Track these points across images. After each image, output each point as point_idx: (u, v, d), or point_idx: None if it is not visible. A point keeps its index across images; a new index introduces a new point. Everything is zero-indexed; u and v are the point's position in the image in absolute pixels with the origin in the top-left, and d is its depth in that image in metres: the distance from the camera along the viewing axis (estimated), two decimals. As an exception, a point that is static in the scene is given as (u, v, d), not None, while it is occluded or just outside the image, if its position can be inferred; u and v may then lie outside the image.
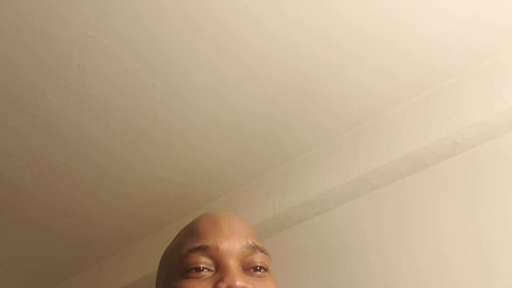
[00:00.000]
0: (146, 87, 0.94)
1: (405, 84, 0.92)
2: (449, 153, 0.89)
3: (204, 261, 0.57)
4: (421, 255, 0.85)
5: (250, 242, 0.59)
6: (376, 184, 0.96)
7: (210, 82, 0.93)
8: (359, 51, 0.87)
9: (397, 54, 0.87)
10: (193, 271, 0.57)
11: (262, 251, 0.60)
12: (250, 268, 0.59)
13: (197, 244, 0.58)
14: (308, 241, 1.04)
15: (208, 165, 1.12)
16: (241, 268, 0.58)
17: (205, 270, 0.57)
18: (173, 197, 1.22)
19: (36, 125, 1.02)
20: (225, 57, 0.88)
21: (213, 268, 0.57)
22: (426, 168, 0.92)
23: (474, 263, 0.79)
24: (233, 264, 0.57)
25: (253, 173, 1.15)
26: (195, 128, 1.03)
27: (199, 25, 0.83)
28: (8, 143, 1.06)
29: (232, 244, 0.58)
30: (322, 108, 0.97)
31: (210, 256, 0.57)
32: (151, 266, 1.28)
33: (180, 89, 0.95)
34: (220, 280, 0.55)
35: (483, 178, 0.84)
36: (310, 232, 1.04)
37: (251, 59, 0.89)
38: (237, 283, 0.54)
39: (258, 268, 0.59)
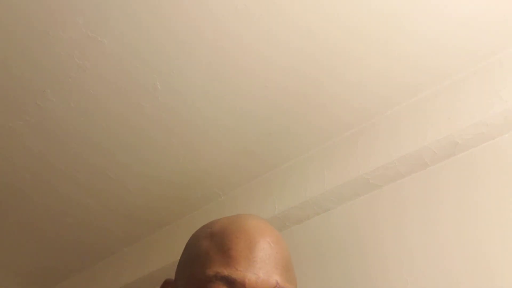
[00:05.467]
0: (146, 87, 0.94)
1: (405, 84, 0.92)
2: (448, 153, 0.89)
3: None
4: (420, 255, 0.85)
5: (279, 286, 0.57)
6: (375, 184, 0.96)
7: (211, 82, 0.93)
8: (358, 52, 0.87)
9: (396, 54, 0.87)
10: None
11: None
12: None
13: (225, 272, 0.56)
14: (308, 241, 1.04)
15: (208, 165, 1.12)
16: None
17: None
18: (173, 197, 1.22)
19: (36, 125, 1.02)
20: (226, 57, 0.88)
21: None
22: (426, 168, 0.92)
23: (473, 263, 0.79)
24: None
25: (253, 173, 1.15)
26: (195, 128, 1.03)
27: (199, 26, 0.84)
28: (8, 143, 1.06)
29: (260, 283, 0.55)
30: (321, 109, 0.98)
31: None
32: (151, 265, 1.28)
33: (180, 89, 0.95)
34: None
35: (482, 178, 0.84)
36: (310, 232, 1.05)
37: (251, 60, 0.89)
38: None
39: None
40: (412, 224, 0.89)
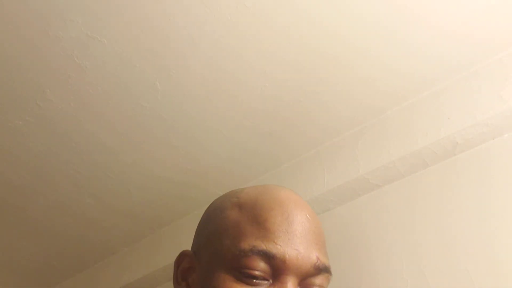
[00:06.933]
0: (146, 86, 0.94)
1: (405, 84, 0.92)
2: (449, 153, 0.89)
3: (263, 268, 0.51)
4: (420, 255, 0.85)
5: (320, 263, 0.53)
6: (376, 184, 0.96)
7: (211, 81, 0.93)
8: (359, 51, 0.87)
9: (397, 54, 0.87)
10: (247, 276, 0.51)
11: (327, 271, 0.54)
12: (306, 286, 0.53)
13: (263, 247, 0.51)
14: (308, 241, 1.04)
15: (209, 165, 1.12)
16: (298, 286, 0.52)
17: (260, 278, 0.51)
18: (173, 197, 1.22)
19: (36, 125, 1.02)
20: (226, 55, 0.88)
21: (268, 278, 0.51)
22: (426, 168, 0.92)
23: (472, 263, 0.79)
24: (292, 282, 0.51)
25: (253, 173, 1.15)
26: (195, 128, 1.03)
27: (200, 23, 0.83)
28: (8, 143, 1.06)
29: (301, 260, 0.51)
30: (322, 108, 0.98)
31: (272, 266, 0.51)
32: (151, 265, 1.28)
33: (181, 88, 0.95)
34: None
35: (482, 178, 0.84)
36: (310, 232, 1.04)
37: (253, 57, 0.89)
38: None
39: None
40: (412, 224, 0.89)
